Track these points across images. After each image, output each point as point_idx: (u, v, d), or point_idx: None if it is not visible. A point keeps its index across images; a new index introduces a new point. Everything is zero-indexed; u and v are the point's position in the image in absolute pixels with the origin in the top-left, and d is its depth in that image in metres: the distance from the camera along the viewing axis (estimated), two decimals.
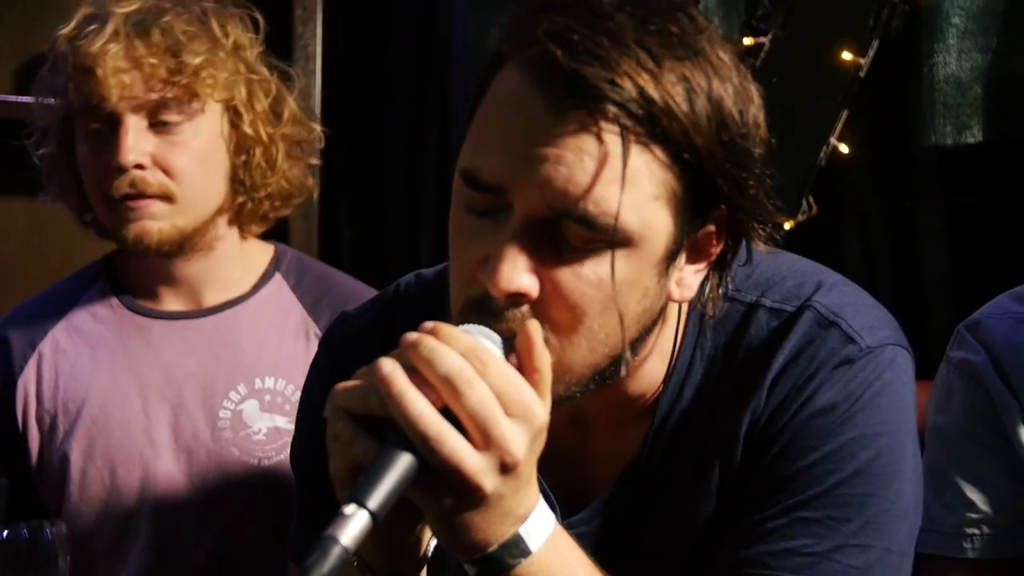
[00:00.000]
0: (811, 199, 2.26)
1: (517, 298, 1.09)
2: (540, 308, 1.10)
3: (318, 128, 2.01)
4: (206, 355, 1.91)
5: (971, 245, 2.33)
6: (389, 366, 1.01)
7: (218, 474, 1.87)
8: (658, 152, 1.08)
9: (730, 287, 1.23)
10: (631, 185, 1.07)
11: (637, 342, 1.17)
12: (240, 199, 1.91)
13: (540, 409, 1.04)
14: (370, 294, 1.90)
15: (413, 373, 1.01)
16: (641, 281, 1.12)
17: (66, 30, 1.81)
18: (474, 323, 1.10)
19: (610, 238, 1.08)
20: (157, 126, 1.81)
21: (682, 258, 1.16)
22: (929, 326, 2.27)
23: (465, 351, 1.02)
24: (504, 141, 1.09)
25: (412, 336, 1.03)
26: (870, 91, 2.29)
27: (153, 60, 1.77)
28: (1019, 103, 2.34)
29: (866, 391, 1.20)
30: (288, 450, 1.80)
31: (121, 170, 1.79)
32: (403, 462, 0.99)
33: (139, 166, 1.79)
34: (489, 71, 1.14)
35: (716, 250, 1.18)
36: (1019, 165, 2.31)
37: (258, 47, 1.92)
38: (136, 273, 1.95)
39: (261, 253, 2.00)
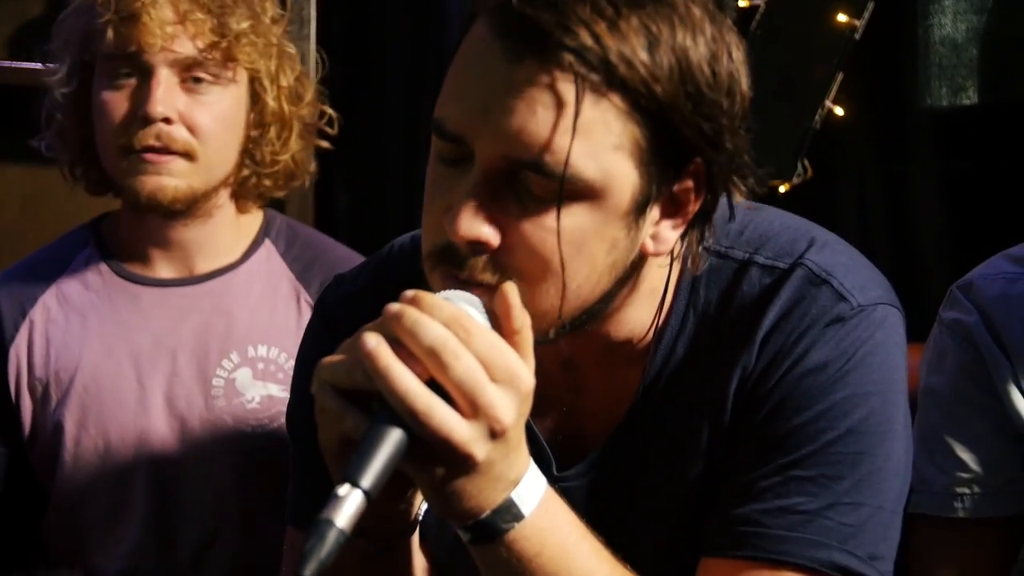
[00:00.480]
0: (807, 162, 2.26)
1: (478, 246, 1.10)
2: (503, 257, 1.11)
3: (330, 112, 2.01)
4: (198, 323, 1.91)
5: (966, 207, 2.33)
6: (373, 340, 1.01)
7: (212, 442, 1.87)
8: (616, 101, 1.08)
9: (712, 242, 1.23)
10: (588, 135, 1.08)
11: (610, 293, 1.18)
12: (246, 172, 1.91)
13: (526, 373, 1.05)
14: (359, 259, 1.91)
15: (397, 345, 1.01)
16: (607, 232, 1.13)
17: None
18: (440, 270, 1.12)
19: (570, 188, 1.09)
20: (188, 83, 1.81)
21: (655, 211, 1.16)
22: (924, 288, 2.27)
23: (448, 320, 1.02)
24: (465, 92, 1.11)
25: (394, 307, 1.03)
26: (865, 53, 2.28)
27: (201, 17, 1.78)
28: (1014, 65, 2.34)
29: (858, 350, 1.21)
30: (282, 418, 1.81)
31: (148, 121, 1.78)
32: (393, 437, 1.00)
33: (167, 120, 1.79)
34: (464, 30, 1.15)
35: (695, 205, 1.18)
36: (1015, 127, 2.31)
37: (286, 24, 1.93)
38: (127, 238, 1.94)
39: (252, 220, 2.00)
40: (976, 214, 2.33)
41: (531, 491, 1.08)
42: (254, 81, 1.87)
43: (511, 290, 1.07)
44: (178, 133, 1.80)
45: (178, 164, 1.81)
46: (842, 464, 1.19)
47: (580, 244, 1.11)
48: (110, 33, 1.78)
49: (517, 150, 1.08)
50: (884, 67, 2.36)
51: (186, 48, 1.79)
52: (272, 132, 1.89)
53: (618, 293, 1.20)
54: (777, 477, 1.19)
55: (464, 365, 1.01)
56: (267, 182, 1.94)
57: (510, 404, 1.03)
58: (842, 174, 2.38)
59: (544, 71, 1.07)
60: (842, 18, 2.23)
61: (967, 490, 1.52)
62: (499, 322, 1.07)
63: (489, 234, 1.10)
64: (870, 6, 2.25)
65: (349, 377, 1.03)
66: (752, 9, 2.27)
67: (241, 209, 1.96)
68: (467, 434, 1.02)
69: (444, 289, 1.10)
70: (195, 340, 1.90)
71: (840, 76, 2.25)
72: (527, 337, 1.07)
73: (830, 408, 1.20)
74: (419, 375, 1.01)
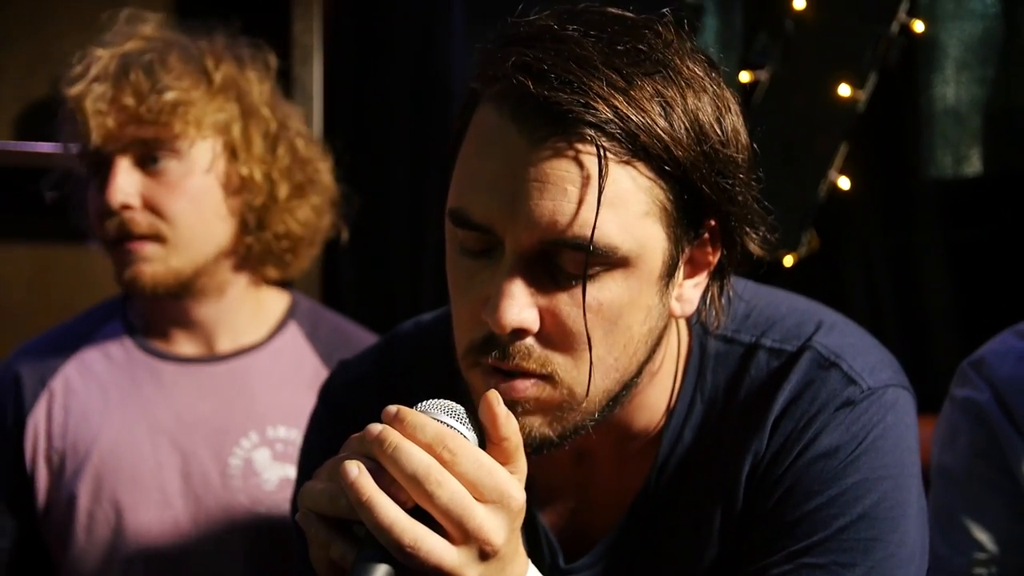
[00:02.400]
0: (813, 233, 2.26)
1: (521, 333, 1.09)
2: (545, 339, 1.10)
3: (325, 168, 1.98)
4: (219, 402, 1.90)
5: (973, 277, 2.32)
6: (354, 470, 1.00)
7: (226, 522, 1.86)
8: (642, 168, 1.08)
9: (723, 327, 1.22)
10: (619, 205, 1.08)
11: (646, 363, 1.17)
12: (247, 240, 1.89)
13: (516, 490, 1.03)
14: None
15: (380, 470, 1.00)
16: (642, 300, 1.12)
17: (67, 75, 1.80)
18: (481, 366, 1.10)
19: (604, 260, 1.08)
20: (146, 166, 1.80)
21: (680, 273, 1.16)
22: (932, 359, 2.26)
23: (432, 441, 1.01)
24: (488, 180, 1.09)
25: (376, 429, 1.02)
26: (869, 125, 2.29)
27: (130, 100, 1.76)
28: (1018, 134, 2.34)
29: (869, 434, 1.20)
30: None
31: (110, 212, 1.78)
32: (381, 572, 0.99)
33: (127, 207, 1.79)
34: (466, 110, 1.15)
35: (712, 260, 1.18)
36: (1019, 196, 2.31)
37: (265, 85, 1.90)
38: (149, 314, 1.94)
39: (276, 301, 1.99)
40: (982, 283, 2.32)
41: None
42: (226, 148, 1.84)
43: (495, 398, 1.05)
44: (141, 218, 1.79)
45: (148, 248, 1.80)
46: (854, 551, 1.17)
47: (617, 317, 1.11)
48: (67, 131, 1.80)
49: (551, 232, 1.07)
50: (888, 138, 2.36)
51: (127, 132, 1.78)
52: (260, 195, 1.86)
53: (651, 362, 1.19)
54: (788, 565, 1.17)
55: (449, 492, 1.00)
56: (275, 246, 1.91)
57: (500, 524, 1.02)
58: (848, 245, 2.37)
59: (569, 148, 1.07)
60: (845, 90, 2.25)
61: (984, 570, 1.50)
62: (486, 431, 1.05)
63: (531, 319, 1.09)
64: (873, 78, 2.26)
65: (332, 506, 1.02)
66: (755, 82, 2.29)
67: (256, 283, 1.95)
68: (457, 560, 1.00)
69: (485, 388, 1.08)
70: (214, 418, 1.89)
71: (844, 148, 2.26)
72: (516, 443, 1.05)
73: (841, 494, 1.18)
74: (404, 502, 1.00)
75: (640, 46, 1.09)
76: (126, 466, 1.86)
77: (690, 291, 1.18)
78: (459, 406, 1.07)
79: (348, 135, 2.63)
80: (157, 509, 1.85)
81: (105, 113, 1.76)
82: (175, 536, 1.86)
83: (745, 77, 2.28)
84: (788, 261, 2.21)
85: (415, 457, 1.00)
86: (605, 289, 1.10)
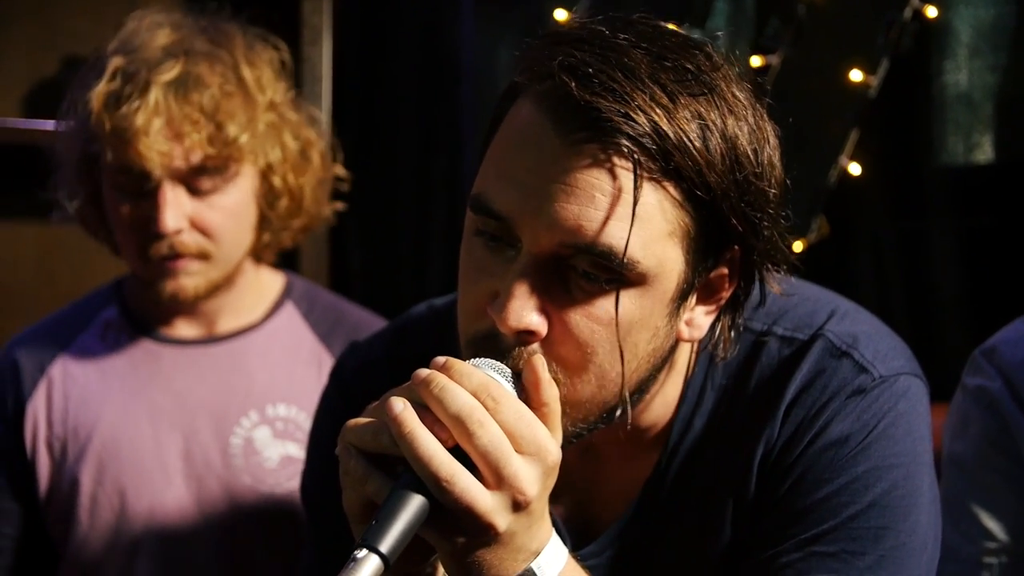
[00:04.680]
0: (823, 219, 2.25)
1: (526, 336, 1.09)
2: (549, 346, 1.09)
3: (339, 168, 2.01)
4: (218, 382, 1.90)
5: (984, 265, 2.32)
6: (399, 405, 1.00)
7: (229, 502, 1.87)
8: (671, 189, 1.07)
9: (741, 327, 1.22)
10: (645, 222, 1.07)
11: (647, 381, 1.17)
12: (265, 237, 1.92)
13: (552, 446, 1.04)
14: (380, 323, 1.91)
15: (424, 411, 1.01)
16: (651, 320, 1.11)
17: (100, 87, 1.77)
18: (482, 357, 1.09)
19: (622, 275, 1.08)
20: (193, 188, 1.80)
21: (693, 298, 1.15)
22: (943, 346, 2.26)
23: (477, 388, 1.02)
24: (515, 173, 1.08)
25: (424, 372, 1.03)
26: (880, 110, 2.28)
27: (195, 133, 1.75)
28: None
29: (880, 422, 1.19)
30: (299, 478, 1.80)
31: (160, 236, 1.78)
32: (414, 503, 1.00)
33: (177, 231, 1.79)
34: (505, 102, 1.14)
35: (728, 292, 1.17)
36: None
37: (289, 92, 1.91)
38: (149, 300, 1.93)
39: (272, 282, 2.00)
40: (993, 271, 2.31)
41: (552, 562, 1.07)
42: (263, 166, 1.85)
43: (540, 363, 1.06)
44: (191, 239, 1.80)
45: (194, 265, 1.81)
46: (864, 539, 1.17)
47: (625, 333, 1.10)
48: (109, 153, 1.77)
49: (572, 237, 1.06)
50: (899, 124, 2.35)
51: (186, 162, 1.77)
52: (285, 201, 1.89)
53: (654, 381, 1.19)
54: (798, 553, 1.17)
55: (490, 434, 1.00)
56: (284, 238, 1.95)
57: (535, 476, 1.02)
58: (858, 231, 2.37)
59: (604, 157, 1.05)
60: (857, 76, 2.24)
61: (995, 559, 1.50)
62: (527, 394, 1.06)
63: (538, 324, 1.08)
64: (885, 63, 2.25)
65: (375, 440, 1.03)
66: (766, 66, 2.28)
67: (258, 264, 1.97)
68: (490, 504, 1.01)
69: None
70: (214, 399, 1.89)
71: (855, 134, 2.25)
72: (555, 410, 1.06)
73: (852, 482, 1.18)
74: (444, 442, 1.00)
75: (688, 65, 1.08)
76: (127, 450, 1.87)
77: (701, 317, 1.17)
78: (506, 367, 1.08)
79: (357, 117, 2.63)
80: (160, 491, 1.86)
81: (165, 143, 1.74)
82: (179, 517, 1.86)
83: (756, 62, 2.27)
84: (797, 247, 2.21)
85: (460, 398, 1.01)
86: (618, 304, 1.09)
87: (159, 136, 1.74)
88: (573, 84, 1.05)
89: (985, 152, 2.36)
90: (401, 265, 2.63)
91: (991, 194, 2.34)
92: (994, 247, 2.31)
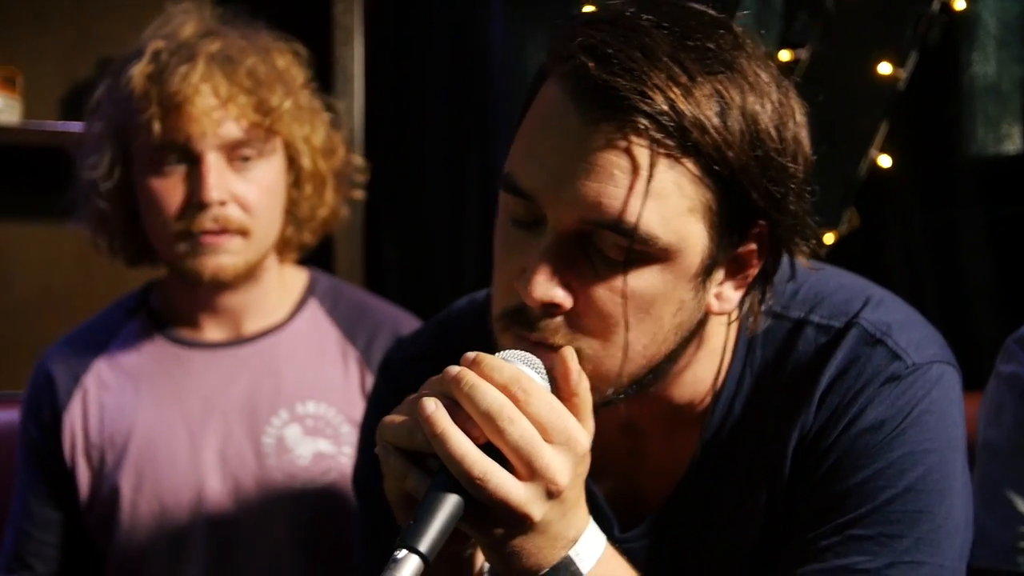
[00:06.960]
0: (854, 211, 2.26)
1: (551, 308, 1.12)
2: (575, 319, 1.13)
3: (360, 160, 2.04)
4: (248, 383, 1.93)
5: (1014, 254, 2.32)
6: (431, 406, 1.03)
7: (265, 499, 1.89)
8: (690, 166, 1.10)
9: (771, 303, 1.24)
10: (663, 198, 1.09)
11: (675, 353, 1.19)
12: (289, 230, 1.94)
13: (582, 435, 1.06)
14: (404, 316, 1.95)
15: (457, 408, 1.04)
16: (676, 294, 1.14)
17: (141, 66, 1.81)
18: (512, 331, 1.14)
19: (643, 251, 1.10)
20: (236, 162, 1.83)
21: (721, 273, 1.17)
22: (974, 336, 2.26)
23: (507, 382, 1.04)
24: (539, 153, 1.12)
25: (454, 370, 1.06)
26: (909, 103, 2.28)
27: (243, 100, 1.80)
28: None
29: (914, 408, 1.21)
30: (332, 473, 1.83)
31: (203, 206, 1.81)
32: (451, 502, 1.03)
33: (221, 202, 1.82)
34: (535, 85, 1.17)
35: (757, 267, 1.19)
36: None
37: (310, 82, 1.95)
38: (177, 304, 1.97)
39: (296, 279, 2.02)
40: (1022, 259, 2.31)
41: (590, 549, 1.10)
42: (289, 145, 1.89)
43: (570, 354, 1.09)
44: (233, 213, 1.83)
45: (235, 242, 1.84)
46: (901, 523, 1.19)
47: (649, 306, 1.13)
48: (156, 126, 1.79)
49: (593, 214, 1.09)
50: (929, 116, 2.35)
51: (231, 131, 1.81)
52: (309, 189, 1.92)
53: (683, 352, 1.21)
54: (836, 537, 1.19)
55: (520, 429, 1.03)
56: (306, 235, 1.98)
57: (566, 465, 1.05)
58: (888, 223, 2.37)
59: (620, 136, 1.08)
60: (886, 68, 2.24)
61: None
62: (557, 385, 1.09)
63: (562, 297, 1.12)
64: (914, 56, 2.25)
65: (410, 438, 1.06)
66: (795, 60, 2.29)
67: (282, 262, 1.99)
68: (524, 496, 1.04)
69: (514, 349, 1.12)
70: (245, 399, 1.92)
71: (885, 126, 2.26)
72: (585, 400, 1.09)
73: (888, 466, 1.20)
74: (477, 438, 1.03)
75: (709, 44, 1.10)
76: (164, 455, 1.89)
77: (730, 292, 1.20)
78: (536, 359, 1.10)
79: (389, 115, 2.65)
80: (197, 493, 1.88)
81: (215, 109, 1.78)
82: (218, 518, 1.89)
83: (785, 56, 2.28)
84: (829, 239, 2.21)
85: (489, 395, 1.03)
86: (641, 278, 1.12)
87: (208, 99, 1.78)
88: (592, 64, 1.08)
89: (1014, 142, 2.36)
90: (435, 259, 2.65)
91: (1020, 184, 2.34)
92: (1023, 235, 2.31)
